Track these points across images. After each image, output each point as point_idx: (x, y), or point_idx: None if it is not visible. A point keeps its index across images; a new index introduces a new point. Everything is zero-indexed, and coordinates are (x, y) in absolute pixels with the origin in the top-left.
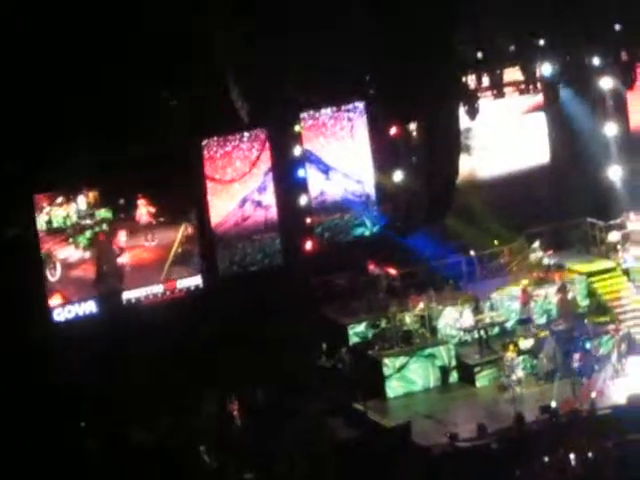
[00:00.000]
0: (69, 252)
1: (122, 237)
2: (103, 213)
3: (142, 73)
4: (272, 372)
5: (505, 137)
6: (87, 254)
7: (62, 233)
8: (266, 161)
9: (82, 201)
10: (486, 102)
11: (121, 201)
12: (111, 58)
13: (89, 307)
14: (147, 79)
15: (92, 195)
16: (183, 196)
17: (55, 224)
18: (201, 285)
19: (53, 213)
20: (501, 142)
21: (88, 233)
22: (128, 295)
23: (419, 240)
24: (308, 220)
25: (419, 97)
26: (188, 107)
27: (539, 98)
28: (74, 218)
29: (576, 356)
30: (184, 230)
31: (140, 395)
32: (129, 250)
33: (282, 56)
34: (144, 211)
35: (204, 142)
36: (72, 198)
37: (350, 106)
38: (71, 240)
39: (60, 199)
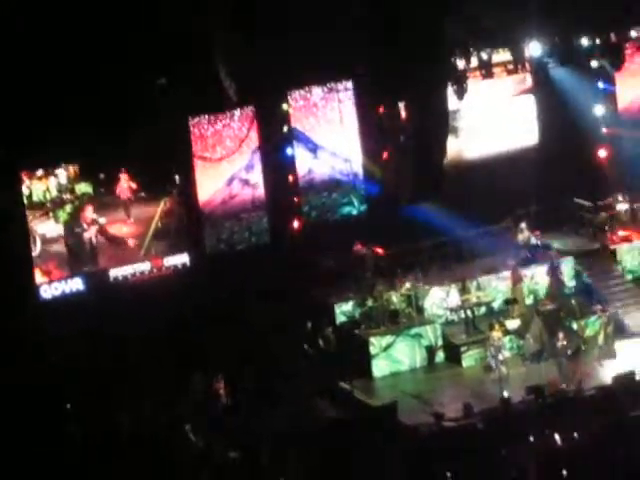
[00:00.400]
0: (49, 227)
1: (89, 212)
2: (83, 187)
3: (129, 53)
4: (258, 351)
5: (494, 118)
6: (67, 229)
7: (42, 207)
8: (254, 140)
9: (62, 175)
10: (475, 83)
11: (101, 175)
12: (98, 37)
13: (76, 284)
14: (135, 59)
15: (72, 169)
16: (166, 172)
17: (35, 198)
18: (188, 263)
19: (33, 187)
20: (489, 123)
21: (68, 207)
22: (115, 273)
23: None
24: (295, 199)
25: (407, 77)
26: (176, 85)
27: (528, 79)
28: (54, 192)
29: (561, 336)
30: (164, 205)
31: (126, 374)
32: (109, 225)
33: (270, 36)
34: (125, 186)
35: (191, 120)
36: (52, 172)
37: (339, 85)
38: (51, 214)
39: (40, 172)
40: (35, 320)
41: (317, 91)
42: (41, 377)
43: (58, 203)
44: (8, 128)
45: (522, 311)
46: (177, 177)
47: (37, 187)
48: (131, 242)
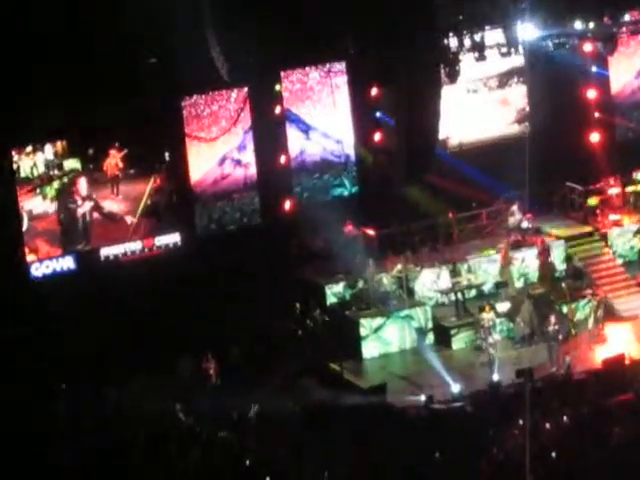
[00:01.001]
0: (35, 203)
1: (82, 185)
2: (72, 163)
3: (120, 29)
4: (248, 331)
5: (486, 100)
6: (54, 206)
7: (29, 183)
8: (246, 120)
9: (49, 150)
10: (467, 65)
11: (90, 151)
12: (89, 13)
13: (67, 263)
14: (125, 36)
15: (60, 144)
16: (156, 149)
17: (22, 174)
18: (179, 243)
19: (21, 163)
20: (482, 106)
21: (56, 184)
22: (106, 252)
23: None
24: (287, 180)
25: (400, 58)
26: (168, 64)
27: (520, 63)
28: (41, 168)
29: (552, 319)
30: (153, 182)
31: (116, 353)
32: (100, 200)
33: (264, 16)
34: (113, 162)
35: (184, 100)
36: (39, 147)
37: (331, 66)
38: (38, 191)
39: (28, 148)
40: (25, 298)
41: (310, 72)
42: (30, 355)
43: (45, 179)
44: None
45: (512, 294)
46: (167, 155)
47: (24, 163)
48: (128, 219)
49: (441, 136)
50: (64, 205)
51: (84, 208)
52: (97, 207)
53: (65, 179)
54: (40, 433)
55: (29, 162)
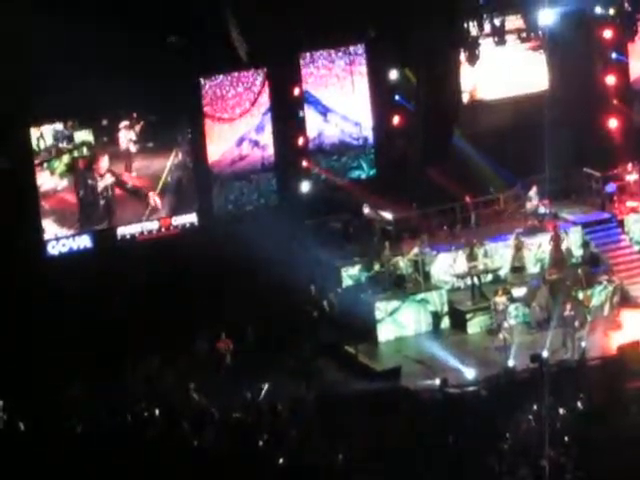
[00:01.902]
0: (43, 179)
1: (104, 163)
2: (83, 135)
3: (143, 13)
4: (264, 312)
5: (505, 82)
6: (64, 182)
7: (35, 157)
8: (265, 101)
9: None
10: (487, 49)
11: (104, 122)
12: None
13: (84, 241)
14: (149, 19)
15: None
16: (176, 123)
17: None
18: (196, 223)
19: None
20: (502, 89)
21: (65, 158)
22: (123, 231)
23: None
24: (305, 162)
25: (420, 42)
26: (188, 45)
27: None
28: (49, 140)
29: (568, 306)
30: (174, 156)
31: (132, 332)
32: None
33: None
34: (131, 135)
35: (203, 80)
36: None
37: (350, 49)
38: (45, 165)
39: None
40: (41, 276)
41: (329, 55)
42: (45, 332)
43: (54, 153)
44: (15, 82)
45: (526, 279)
46: (189, 131)
47: (30, 134)
48: (151, 197)
49: (467, 87)
50: (84, 182)
51: (105, 182)
52: (119, 182)
53: (76, 153)
54: (56, 414)
55: (35, 133)
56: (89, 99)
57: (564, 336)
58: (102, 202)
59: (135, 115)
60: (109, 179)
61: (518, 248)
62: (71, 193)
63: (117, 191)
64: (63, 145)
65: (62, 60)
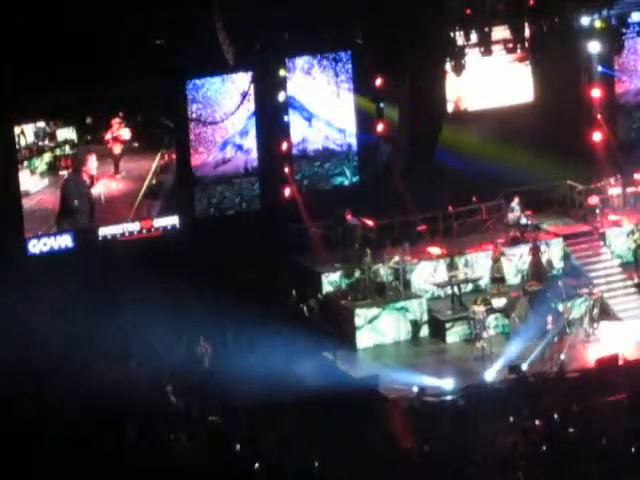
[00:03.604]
0: (22, 179)
1: (92, 163)
2: (66, 133)
3: (129, 12)
4: (242, 316)
5: (489, 93)
6: (44, 182)
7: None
8: (249, 105)
9: None
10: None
11: (88, 119)
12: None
13: (65, 241)
14: (134, 19)
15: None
16: (162, 126)
17: None
18: (178, 225)
19: None
20: (486, 100)
21: (47, 157)
22: (104, 231)
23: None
24: (288, 167)
25: (405, 49)
26: (174, 47)
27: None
28: (30, 138)
29: (548, 318)
30: (160, 158)
31: (110, 335)
32: (99, 179)
33: (270, 2)
34: (125, 133)
35: (188, 82)
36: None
37: (336, 55)
38: (25, 164)
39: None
40: (22, 275)
41: (311, 58)
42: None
43: (35, 151)
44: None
45: (506, 290)
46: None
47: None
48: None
49: (452, 97)
50: (74, 186)
51: (97, 188)
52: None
53: (58, 151)
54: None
55: (16, 130)
56: (75, 98)
57: (543, 347)
58: (86, 204)
59: (121, 114)
60: (102, 185)
61: (498, 259)
62: (50, 194)
63: (105, 195)
64: (44, 143)
65: (48, 57)
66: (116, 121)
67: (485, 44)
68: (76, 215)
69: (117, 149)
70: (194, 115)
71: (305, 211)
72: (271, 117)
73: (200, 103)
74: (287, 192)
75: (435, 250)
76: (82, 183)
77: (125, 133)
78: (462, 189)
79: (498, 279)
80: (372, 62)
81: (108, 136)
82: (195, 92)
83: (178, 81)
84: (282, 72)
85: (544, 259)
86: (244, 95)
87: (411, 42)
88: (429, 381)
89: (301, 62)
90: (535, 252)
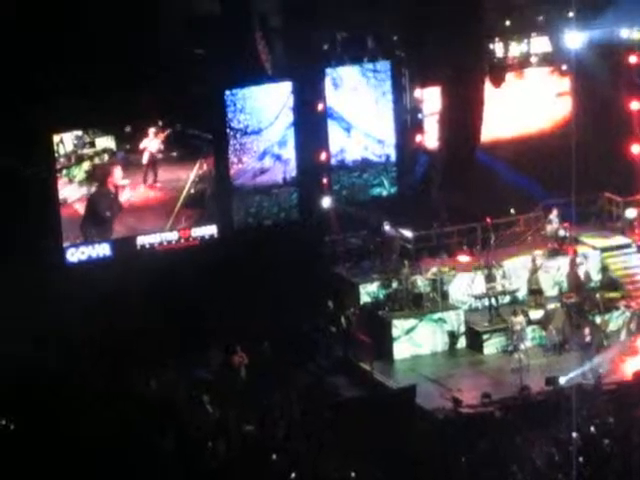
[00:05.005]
0: (60, 187)
1: (117, 174)
2: (105, 142)
3: (170, 24)
4: (280, 326)
5: (530, 104)
6: (83, 190)
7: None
8: (288, 115)
9: None
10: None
11: (127, 128)
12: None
13: (103, 250)
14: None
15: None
16: (200, 136)
17: None
18: (216, 235)
19: None
20: (524, 108)
21: (86, 165)
22: (142, 240)
23: None
24: (326, 177)
25: (445, 61)
26: (214, 57)
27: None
28: (69, 146)
29: (586, 330)
30: (199, 167)
31: (147, 343)
32: (132, 189)
33: (310, 14)
34: (154, 143)
35: (228, 92)
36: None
37: (376, 66)
38: (64, 172)
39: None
40: (61, 283)
41: (354, 70)
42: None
43: (74, 159)
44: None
45: (541, 301)
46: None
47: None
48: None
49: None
50: (99, 197)
51: (125, 195)
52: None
53: (97, 160)
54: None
55: (55, 138)
56: (115, 107)
57: (580, 360)
58: (115, 214)
59: (160, 124)
60: (127, 193)
61: (536, 271)
62: (83, 202)
63: (136, 203)
64: (83, 151)
65: (88, 66)
66: (152, 130)
67: (524, 57)
68: (106, 224)
69: (144, 158)
70: (233, 125)
71: (343, 222)
72: (310, 127)
73: (239, 113)
74: (325, 203)
75: (464, 258)
76: (108, 194)
77: (153, 145)
78: (500, 201)
79: (536, 291)
80: (412, 73)
81: (142, 145)
82: (234, 102)
83: (217, 91)
84: (321, 83)
85: (582, 272)
86: (283, 105)
87: (449, 54)
88: (466, 392)
89: (341, 72)
90: (574, 265)
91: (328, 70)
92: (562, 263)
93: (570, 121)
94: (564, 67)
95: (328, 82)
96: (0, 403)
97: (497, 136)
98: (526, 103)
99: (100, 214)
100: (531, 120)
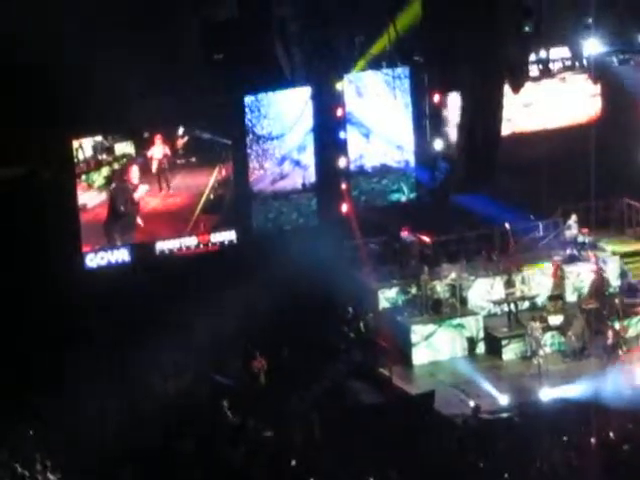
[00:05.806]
0: (79, 193)
1: (134, 173)
2: (124, 147)
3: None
4: (298, 332)
5: (554, 108)
6: (102, 196)
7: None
8: (307, 120)
9: None
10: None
11: (145, 134)
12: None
13: (122, 255)
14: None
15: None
16: (219, 141)
17: None
18: (235, 240)
19: None
20: (549, 108)
21: (105, 171)
22: (161, 246)
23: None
24: (345, 183)
25: (464, 67)
26: (233, 63)
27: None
28: (88, 152)
29: (609, 333)
30: (218, 173)
31: (167, 347)
32: (149, 196)
33: (330, 20)
34: (159, 151)
35: (246, 97)
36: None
37: (395, 71)
38: (84, 178)
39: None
40: (81, 289)
41: (373, 76)
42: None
43: (93, 165)
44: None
45: (563, 307)
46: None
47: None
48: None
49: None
50: (119, 191)
51: (139, 193)
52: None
53: (116, 165)
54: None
55: (74, 144)
56: (134, 113)
57: (599, 366)
58: (131, 210)
59: (181, 129)
60: (143, 188)
61: (556, 276)
62: (104, 207)
63: (156, 208)
64: (102, 157)
65: (108, 74)
66: (159, 138)
67: (544, 62)
68: (123, 220)
69: (153, 167)
70: (255, 130)
71: (362, 227)
72: (329, 133)
73: (258, 118)
74: (344, 208)
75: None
76: (127, 189)
77: (157, 152)
78: (519, 205)
79: (555, 297)
80: (431, 79)
81: (150, 153)
82: (253, 107)
83: (236, 96)
84: (340, 89)
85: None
86: (302, 111)
87: (469, 59)
88: (485, 398)
89: (360, 78)
90: (599, 271)
91: (349, 76)
92: (581, 269)
93: (588, 126)
94: (585, 72)
95: (349, 88)
96: None
97: (521, 129)
98: (551, 100)
99: (117, 209)
100: (555, 118)
